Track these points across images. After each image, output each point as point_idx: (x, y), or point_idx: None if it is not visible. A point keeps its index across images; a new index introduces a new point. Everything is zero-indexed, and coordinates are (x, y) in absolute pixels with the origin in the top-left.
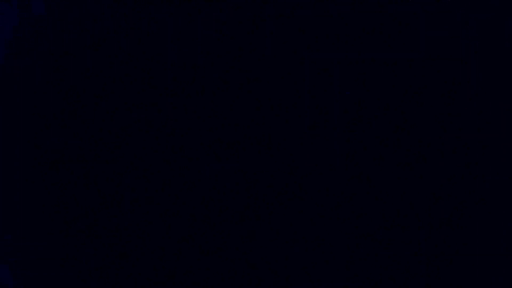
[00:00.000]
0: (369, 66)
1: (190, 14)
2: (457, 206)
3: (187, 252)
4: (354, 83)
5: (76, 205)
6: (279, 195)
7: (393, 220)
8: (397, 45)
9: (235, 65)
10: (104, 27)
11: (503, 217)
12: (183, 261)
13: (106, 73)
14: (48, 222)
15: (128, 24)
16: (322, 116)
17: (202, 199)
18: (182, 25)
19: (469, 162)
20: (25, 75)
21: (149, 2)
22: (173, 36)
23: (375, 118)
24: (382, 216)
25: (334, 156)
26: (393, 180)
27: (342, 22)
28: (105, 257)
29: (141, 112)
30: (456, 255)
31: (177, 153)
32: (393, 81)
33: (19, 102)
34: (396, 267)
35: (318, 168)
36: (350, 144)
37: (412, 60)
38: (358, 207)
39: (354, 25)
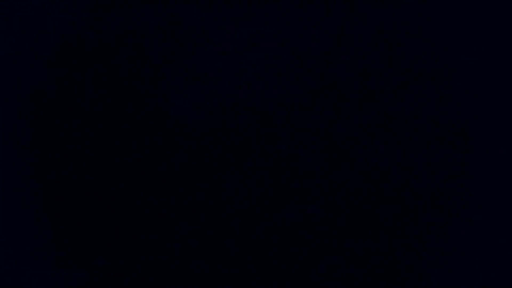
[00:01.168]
0: (368, 66)
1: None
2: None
3: (186, 253)
4: (353, 83)
5: (76, 206)
6: (278, 195)
7: (393, 220)
8: (396, 45)
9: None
10: (104, 26)
11: (503, 217)
12: (182, 262)
13: (105, 73)
14: (47, 222)
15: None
16: (323, 116)
17: (202, 200)
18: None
19: (469, 163)
20: (25, 74)
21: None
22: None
23: (375, 118)
24: (381, 215)
25: (333, 155)
26: (392, 179)
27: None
28: (107, 258)
29: (142, 112)
30: (456, 255)
31: (177, 154)
32: (392, 82)
33: (19, 101)
34: (395, 267)
35: (315, 167)
36: (350, 144)
37: (411, 61)
38: (358, 206)
39: (353, 24)
